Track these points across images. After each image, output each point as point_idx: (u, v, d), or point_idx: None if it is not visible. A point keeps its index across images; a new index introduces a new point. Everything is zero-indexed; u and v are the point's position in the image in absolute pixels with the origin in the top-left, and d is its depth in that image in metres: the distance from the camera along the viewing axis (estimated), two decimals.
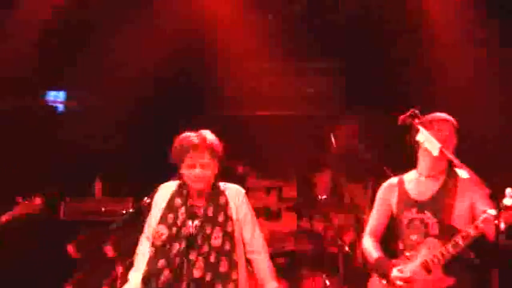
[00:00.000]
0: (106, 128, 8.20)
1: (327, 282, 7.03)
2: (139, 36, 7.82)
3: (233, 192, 4.75)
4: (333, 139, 7.67)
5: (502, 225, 4.00)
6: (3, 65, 7.64)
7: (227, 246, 4.56)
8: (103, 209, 7.73)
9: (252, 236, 4.76)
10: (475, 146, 6.93)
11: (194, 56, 8.39)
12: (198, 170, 4.56)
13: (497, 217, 3.97)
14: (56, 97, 8.73)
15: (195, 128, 8.24)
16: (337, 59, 8.58)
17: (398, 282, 4.49)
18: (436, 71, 7.68)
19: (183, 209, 4.60)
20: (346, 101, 8.66)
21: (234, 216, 4.66)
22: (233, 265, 4.55)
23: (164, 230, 4.55)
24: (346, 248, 7.21)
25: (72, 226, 7.67)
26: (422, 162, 4.68)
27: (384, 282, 4.63)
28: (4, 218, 5.45)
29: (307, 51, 8.39)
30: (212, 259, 4.49)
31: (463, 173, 4.20)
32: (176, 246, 4.49)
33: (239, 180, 7.99)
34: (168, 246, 4.50)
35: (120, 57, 7.97)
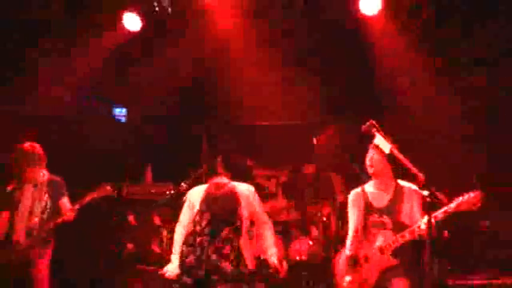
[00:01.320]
0: (152, 133, 8.25)
1: (310, 242, 7.17)
2: (175, 67, 7.73)
3: (244, 193, 4.82)
4: (315, 141, 7.64)
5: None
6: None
7: (230, 236, 4.67)
8: (153, 191, 7.63)
9: (262, 219, 4.89)
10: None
11: (216, 79, 8.32)
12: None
13: (429, 196, 4.04)
14: (120, 112, 8.73)
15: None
16: (324, 80, 8.26)
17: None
18: (399, 91, 7.63)
19: (207, 214, 4.69)
20: (330, 112, 8.44)
21: (245, 213, 4.75)
22: (234, 249, 4.65)
23: (191, 227, 4.70)
24: (324, 219, 7.28)
25: (131, 202, 7.71)
26: (375, 179, 4.80)
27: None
28: (87, 198, 5.55)
29: (300, 74, 8.15)
30: (223, 248, 4.62)
31: (405, 183, 4.58)
32: (198, 240, 4.64)
33: (247, 170, 8.09)
34: (191, 241, 4.65)
35: (163, 82, 7.95)
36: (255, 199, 4.84)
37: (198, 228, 4.64)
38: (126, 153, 8.15)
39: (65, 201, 5.67)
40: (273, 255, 4.77)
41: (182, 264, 4.64)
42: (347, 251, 4.82)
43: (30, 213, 5.49)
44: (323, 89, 8.35)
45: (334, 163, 8.03)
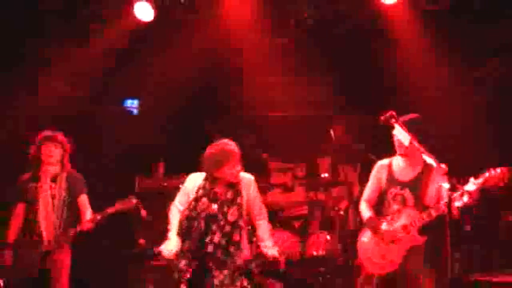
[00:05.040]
0: (164, 125, 8.06)
1: (328, 237, 6.91)
2: (182, 57, 7.44)
3: (246, 181, 4.68)
4: (332, 133, 7.56)
5: (460, 203, 4.12)
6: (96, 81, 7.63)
7: (240, 222, 4.56)
8: (165, 184, 7.50)
9: (259, 210, 4.72)
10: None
11: (224, 72, 8.11)
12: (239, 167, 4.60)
13: (450, 189, 3.87)
14: (131, 104, 8.53)
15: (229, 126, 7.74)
16: (337, 73, 8.05)
17: (385, 235, 4.48)
18: (411, 83, 7.32)
19: (205, 199, 4.56)
20: (344, 104, 8.16)
21: (245, 199, 4.62)
22: (241, 235, 4.57)
23: (186, 212, 4.57)
24: (341, 213, 7.12)
25: (144, 195, 7.16)
26: (398, 155, 4.59)
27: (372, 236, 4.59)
28: (110, 210, 5.32)
29: (312, 67, 7.93)
30: (227, 229, 4.51)
31: (433, 161, 4.09)
32: (195, 224, 4.50)
33: (263, 163, 8.11)
34: (186, 223, 4.53)
35: (170, 74, 7.71)
36: (254, 189, 4.71)
37: (193, 213, 4.53)
38: (138, 146, 7.88)
39: (84, 199, 5.47)
40: (270, 247, 4.65)
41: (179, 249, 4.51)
42: (367, 213, 4.67)
43: (50, 210, 5.29)
44: (337, 80, 8.07)
45: (350, 155, 7.80)
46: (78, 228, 5.30)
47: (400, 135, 4.29)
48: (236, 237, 4.50)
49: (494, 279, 6.13)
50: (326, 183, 7.69)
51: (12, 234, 5.36)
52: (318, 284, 6.70)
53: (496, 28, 6.83)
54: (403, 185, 4.51)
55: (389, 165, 4.67)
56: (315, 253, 6.80)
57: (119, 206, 5.36)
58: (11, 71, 7.08)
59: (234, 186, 4.60)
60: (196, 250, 4.47)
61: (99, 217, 5.33)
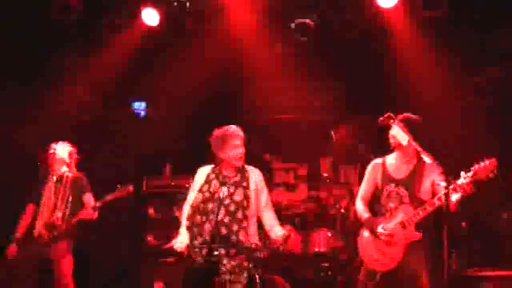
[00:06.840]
0: (172, 128, 8.07)
1: (329, 234, 6.94)
2: (190, 63, 7.57)
3: (253, 171, 4.77)
4: (333, 135, 7.62)
5: (456, 197, 4.13)
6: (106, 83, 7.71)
7: (244, 203, 4.57)
8: (172, 183, 7.52)
9: (266, 202, 4.74)
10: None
11: (234, 79, 8.23)
12: (241, 149, 4.63)
13: (447, 187, 3.95)
14: (139, 106, 8.57)
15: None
16: (338, 79, 8.23)
17: (383, 237, 4.49)
18: (411, 89, 7.37)
19: (215, 181, 4.60)
20: (344, 109, 8.29)
21: (253, 187, 4.66)
22: (245, 216, 4.54)
23: (200, 196, 4.56)
24: (342, 211, 7.10)
25: (151, 196, 7.62)
26: (398, 152, 4.61)
27: (371, 235, 4.60)
28: (109, 197, 5.56)
29: (316, 73, 8.06)
30: (232, 208, 4.52)
31: (427, 158, 4.21)
32: (209, 205, 4.51)
33: (266, 164, 8.16)
34: (202, 206, 4.52)
35: (181, 80, 7.79)
36: (262, 180, 4.76)
37: (206, 194, 4.55)
38: (146, 148, 8.00)
39: (89, 197, 5.60)
40: (277, 230, 4.63)
41: (194, 237, 4.47)
42: (365, 214, 4.67)
43: (54, 208, 5.49)
44: (337, 86, 8.19)
45: (351, 156, 7.84)
46: (81, 216, 5.50)
47: (399, 135, 4.38)
48: (239, 215, 4.49)
49: (491, 274, 6.19)
50: (327, 182, 7.68)
51: (20, 231, 5.63)
52: (320, 280, 6.73)
53: (495, 35, 6.93)
54: (398, 182, 4.54)
55: (383, 164, 4.68)
56: (317, 250, 6.83)
57: (116, 193, 5.55)
58: (30, 80, 7.30)
59: (242, 171, 4.65)
60: (211, 232, 4.45)
61: (98, 205, 5.54)
